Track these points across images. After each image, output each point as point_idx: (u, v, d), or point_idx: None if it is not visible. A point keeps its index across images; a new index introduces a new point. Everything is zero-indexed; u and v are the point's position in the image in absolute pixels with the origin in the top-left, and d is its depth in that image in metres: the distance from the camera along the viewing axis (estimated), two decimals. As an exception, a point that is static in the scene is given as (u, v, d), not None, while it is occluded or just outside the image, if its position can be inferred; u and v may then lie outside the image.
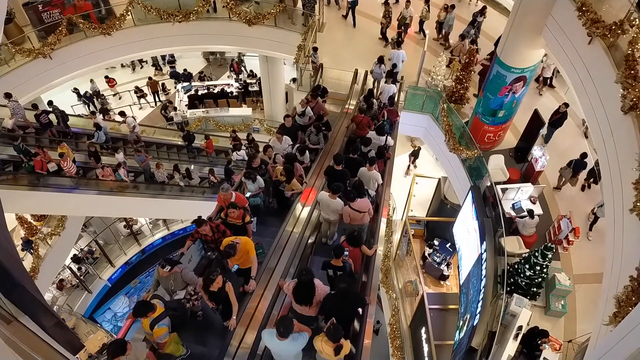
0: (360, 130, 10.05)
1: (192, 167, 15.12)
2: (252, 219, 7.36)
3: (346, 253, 6.11)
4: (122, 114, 16.27)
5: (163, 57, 22.84)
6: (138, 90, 21.20)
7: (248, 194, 8.35)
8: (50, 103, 14.30)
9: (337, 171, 7.77)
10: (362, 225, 7.29)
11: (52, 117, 14.00)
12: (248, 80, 21.12)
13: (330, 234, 7.92)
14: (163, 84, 21.74)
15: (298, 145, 9.41)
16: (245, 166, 15.31)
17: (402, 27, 14.61)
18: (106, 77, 21.27)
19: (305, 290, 5.37)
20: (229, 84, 20.85)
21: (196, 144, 16.93)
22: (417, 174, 16.67)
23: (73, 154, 13.22)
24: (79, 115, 15.33)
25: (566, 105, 11.85)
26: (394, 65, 12.80)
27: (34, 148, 12.71)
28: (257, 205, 8.54)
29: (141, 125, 17.53)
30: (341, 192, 7.06)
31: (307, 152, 9.20)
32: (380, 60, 12.77)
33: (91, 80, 20.46)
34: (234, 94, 20.40)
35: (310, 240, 7.97)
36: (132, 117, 16.19)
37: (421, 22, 15.09)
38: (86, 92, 20.27)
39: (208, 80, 21.92)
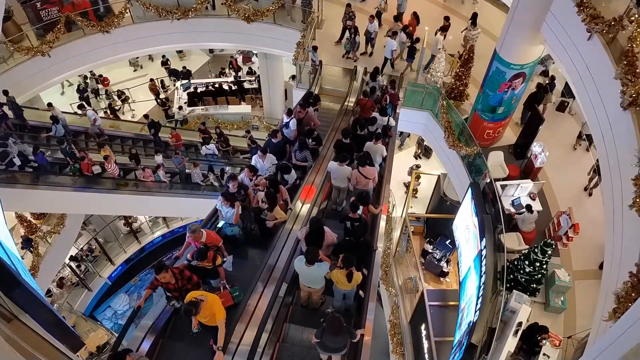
0: (364, 113, 10.74)
1: (228, 168, 14.89)
2: (225, 259, 6.40)
3: (361, 208, 6.94)
4: (81, 107, 15.58)
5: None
6: (120, 93, 21.08)
7: (222, 223, 7.37)
8: (5, 93, 13.09)
9: (344, 144, 8.66)
10: (367, 189, 8.15)
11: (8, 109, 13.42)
12: (244, 77, 21.09)
13: (340, 200, 8.92)
14: (162, 81, 21.70)
15: (282, 162, 8.49)
16: (213, 159, 14.97)
17: (369, 42, 14.16)
18: (100, 75, 21.22)
19: (316, 235, 6.35)
20: (226, 82, 20.83)
21: (164, 138, 15.99)
22: (417, 171, 16.68)
23: (115, 156, 13.60)
24: (35, 108, 14.89)
25: (539, 85, 12.18)
26: (417, 40, 13.28)
27: (80, 151, 13.09)
28: (235, 236, 7.48)
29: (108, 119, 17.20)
30: (348, 161, 8.07)
31: (292, 170, 8.34)
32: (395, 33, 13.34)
33: (90, 78, 20.45)
34: (230, 90, 20.35)
35: (322, 206, 8.98)
36: (92, 110, 15.40)
37: (379, 14, 14.70)
38: (86, 88, 20.21)
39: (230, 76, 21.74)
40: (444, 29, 13.96)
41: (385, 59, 13.67)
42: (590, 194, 11.15)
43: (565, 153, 12.17)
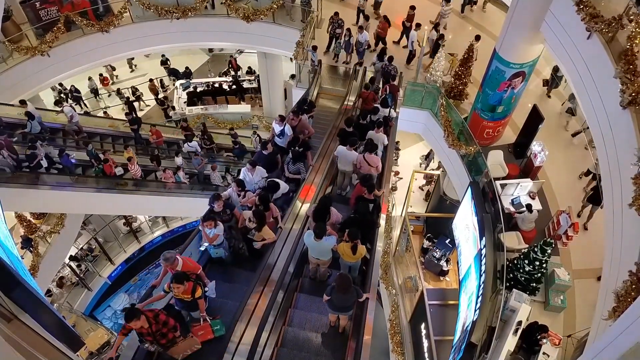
0: (366, 105, 11.10)
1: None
2: (206, 288, 5.98)
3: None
4: (57, 103, 14.95)
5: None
6: (135, 90, 21.09)
7: (205, 245, 6.83)
8: None
9: (348, 132, 8.98)
10: (370, 174, 8.45)
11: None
12: (243, 77, 21.07)
13: (344, 185, 9.35)
14: (161, 81, 21.69)
15: (270, 180, 7.79)
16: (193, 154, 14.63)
17: (359, 53, 13.90)
18: (100, 75, 21.16)
19: (322, 212, 6.82)
20: (225, 81, 20.81)
21: (145, 136, 15.71)
22: (417, 170, 16.69)
23: (137, 157, 13.91)
24: (11, 105, 14.45)
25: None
26: (442, 36, 13.65)
27: (103, 153, 13.52)
28: (221, 257, 7.13)
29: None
30: (357, 145, 8.53)
31: (280, 186, 7.70)
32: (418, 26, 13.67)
33: (89, 78, 20.41)
34: (230, 89, 20.32)
35: (327, 191, 9.29)
36: (70, 106, 14.67)
37: (360, 12, 14.75)
38: (71, 88, 20.03)
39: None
40: (410, 19, 13.99)
41: (410, 52, 13.90)
42: (585, 228, 10.68)
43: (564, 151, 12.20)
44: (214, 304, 6.23)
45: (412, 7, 14.00)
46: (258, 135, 16.66)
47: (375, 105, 10.45)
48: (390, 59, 12.45)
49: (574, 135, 12.30)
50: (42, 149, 12.42)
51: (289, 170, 8.71)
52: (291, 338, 6.48)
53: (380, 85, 12.10)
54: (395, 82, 12.12)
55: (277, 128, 9.39)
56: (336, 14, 13.83)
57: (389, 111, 10.51)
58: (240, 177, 8.04)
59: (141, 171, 13.58)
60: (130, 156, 13.26)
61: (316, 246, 6.52)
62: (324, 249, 6.54)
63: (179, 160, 14.10)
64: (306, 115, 10.18)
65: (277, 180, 7.80)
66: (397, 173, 17.62)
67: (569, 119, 12.61)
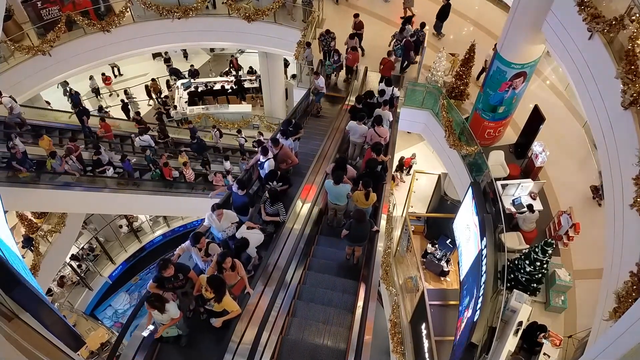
0: (385, 72, 12.55)
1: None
2: None
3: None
4: None
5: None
6: (126, 91, 21.10)
7: (150, 328, 5.52)
8: None
9: (357, 109, 10.14)
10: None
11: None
12: (244, 77, 21.07)
13: (354, 156, 10.33)
14: (167, 81, 21.70)
15: (240, 223, 6.83)
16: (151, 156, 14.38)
17: (316, 95, 13.05)
18: (103, 74, 21.15)
19: (342, 164, 8.14)
20: (227, 81, 20.82)
21: (94, 128, 14.87)
22: (417, 170, 16.68)
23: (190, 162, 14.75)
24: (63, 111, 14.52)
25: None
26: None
27: (160, 158, 14.36)
28: (176, 336, 5.77)
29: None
30: (365, 119, 9.63)
31: (250, 242, 6.41)
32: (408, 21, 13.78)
33: (90, 77, 20.41)
34: (231, 89, 20.33)
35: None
36: (10, 97, 13.14)
37: None
38: (70, 89, 19.96)
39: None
40: (358, 27, 13.68)
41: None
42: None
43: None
44: None
45: (356, 15, 13.51)
46: (218, 130, 16.53)
47: (380, 88, 11.17)
48: (422, 24, 13.21)
49: None
50: (105, 154, 13.07)
51: (266, 211, 7.42)
52: (315, 265, 8.04)
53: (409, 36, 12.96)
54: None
55: (261, 159, 8.27)
56: (327, 31, 13.16)
57: (392, 89, 11.20)
58: (205, 223, 6.77)
59: (194, 174, 14.30)
60: (186, 161, 13.99)
61: (334, 190, 7.86)
62: (341, 193, 7.88)
63: (227, 164, 14.84)
64: (291, 139, 9.09)
65: (249, 233, 6.65)
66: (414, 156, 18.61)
67: None
